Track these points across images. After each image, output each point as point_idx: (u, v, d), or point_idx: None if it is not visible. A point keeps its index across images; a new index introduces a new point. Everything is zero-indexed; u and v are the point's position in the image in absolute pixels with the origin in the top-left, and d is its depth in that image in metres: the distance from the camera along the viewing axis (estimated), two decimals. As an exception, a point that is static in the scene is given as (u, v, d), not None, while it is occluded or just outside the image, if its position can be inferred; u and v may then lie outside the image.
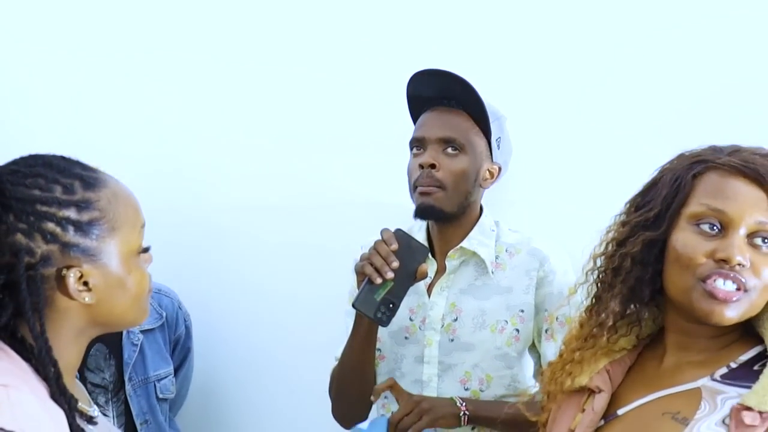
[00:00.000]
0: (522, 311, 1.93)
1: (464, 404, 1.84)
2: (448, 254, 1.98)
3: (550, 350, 1.92)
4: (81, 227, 1.15)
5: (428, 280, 1.99)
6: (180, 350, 2.44)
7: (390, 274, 1.74)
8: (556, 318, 1.91)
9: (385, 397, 2.01)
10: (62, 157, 1.21)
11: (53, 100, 2.77)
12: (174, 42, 2.65)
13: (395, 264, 1.75)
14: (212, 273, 2.61)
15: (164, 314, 2.38)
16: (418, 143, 1.94)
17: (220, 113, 2.60)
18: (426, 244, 1.98)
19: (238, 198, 2.58)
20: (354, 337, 1.90)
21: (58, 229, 1.14)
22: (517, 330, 1.93)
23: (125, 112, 2.70)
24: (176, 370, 2.43)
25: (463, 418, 1.83)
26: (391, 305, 1.75)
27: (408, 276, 1.77)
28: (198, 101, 2.62)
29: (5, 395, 1.05)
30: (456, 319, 1.95)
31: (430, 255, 1.99)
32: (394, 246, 1.76)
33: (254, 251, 2.56)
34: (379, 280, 1.74)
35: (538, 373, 1.97)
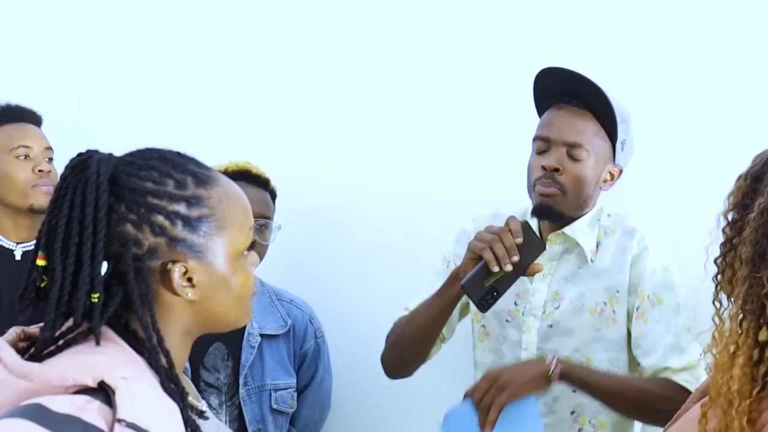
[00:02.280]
0: (618, 292, 1.91)
1: (555, 359, 1.80)
2: (549, 237, 1.96)
3: (639, 330, 1.89)
4: (189, 223, 1.16)
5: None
6: (308, 367, 2.36)
7: (509, 267, 1.73)
8: (647, 296, 1.89)
9: None
10: (178, 153, 1.22)
11: (151, 103, 2.79)
12: (276, 40, 2.63)
13: (516, 258, 1.73)
14: (333, 270, 2.57)
15: (290, 323, 2.32)
16: (542, 142, 1.91)
17: (338, 109, 2.58)
18: (538, 233, 1.97)
19: (362, 193, 2.55)
20: (437, 299, 1.88)
21: (167, 223, 1.15)
22: (614, 311, 1.91)
23: (222, 113, 2.69)
24: (304, 389, 2.36)
25: (552, 376, 1.79)
26: (495, 293, 1.75)
27: (520, 269, 1.76)
28: (299, 100, 2.61)
29: (126, 388, 1.06)
30: (558, 307, 1.95)
31: None
32: (519, 239, 1.74)
33: (375, 246, 2.52)
34: (496, 269, 1.72)
35: (636, 364, 1.93)
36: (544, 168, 1.88)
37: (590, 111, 1.89)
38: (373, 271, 2.51)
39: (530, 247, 1.76)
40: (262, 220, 2.20)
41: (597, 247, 1.94)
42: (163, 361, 1.15)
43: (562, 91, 1.91)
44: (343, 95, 2.56)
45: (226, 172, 2.15)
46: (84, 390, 1.07)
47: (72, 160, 1.18)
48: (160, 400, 1.11)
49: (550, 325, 1.93)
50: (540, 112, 1.97)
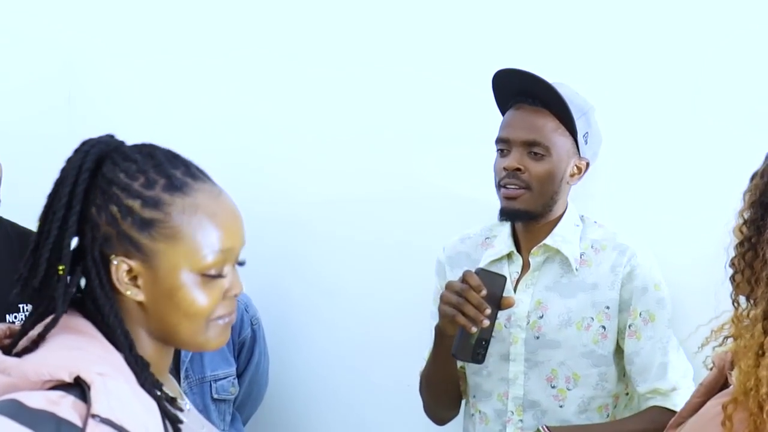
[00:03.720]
0: (607, 308, 1.92)
1: None
2: (532, 251, 1.97)
3: (632, 347, 1.92)
4: (138, 221, 1.15)
5: (514, 276, 1.98)
6: (246, 353, 2.40)
7: (486, 322, 1.76)
8: (640, 314, 1.91)
9: (474, 396, 2.03)
10: (172, 154, 1.20)
11: (140, 94, 2.74)
12: (258, 37, 2.60)
13: (488, 311, 1.75)
14: (294, 269, 2.57)
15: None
16: (503, 144, 1.93)
17: (303, 106, 2.55)
18: (511, 239, 1.99)
19: (321, 193, 2.54)
20: (436, 353, 1.93)
21: (118, 215, 1.15)
22: (604, 327, 1.92)
23: (210, 106, 2.65)
24: (242, 374, 2.40)
25: None
26: (483, 342, 1.79)
27: (495, 311, 1.79)
28: (283, 94, 2.58)
29: (102, 384, 1.06)
30: (542, 317, 1.94)
31: (515, 251, 1.99)
32: (484, 292, 1.76)
33: (335, 246, 2.52)
34: (474, 330, 1.75)
35: (623, 375, 1.96)
36: (506, 169, 1.90)
37: (547, 108, 1.90)
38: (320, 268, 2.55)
39: (494, 286, 1.79)
40: None
41: (582, 257, 1.95)
42: (123, 339, 1.15)
43: (518, 91, 1.92)
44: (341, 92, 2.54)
45: None
46: (60, 385, 1.07)
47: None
48: (136, 396, 1.10)
49: (537, 337, 1.93)
50: (503, 113, 1.99)
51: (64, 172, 1.16)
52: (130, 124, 2.66)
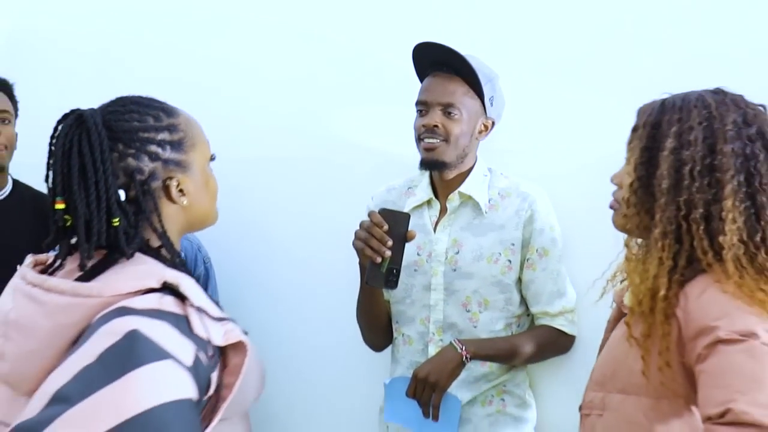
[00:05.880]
0: (513, 245, 2.27)
1: (464, 348, 2.17)
2: (448, 197, 2.30)
3: (528, 276, 2.28)
4: (174, 145, 1.42)
5: (434, 219, 2.32)
6: None
7: (388, 253, 2.00)
8: (536, 250, 2.28)
9: (397, 322, 2.37)
10: (141, 96, 1.46)
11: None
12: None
13: (390, 243, 2.01)
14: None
15: (182, 254, 2.49)
16: (422, 105, 2.25)
17: (231, 62, 2.73)
18: (429, 188, 2.32)
19: (249, 151, 2.71)
20: (362, 296, 2.29)
21: (159, 150, 1.41)
22: (509, 260, 2.27)
23: (133, 58, 2.78)
24: None
25: (465, 360, 2.17)
26: (395, 271, 2.03)
27: (400, 242, 2.03)
28: (212, 49, 2.74)
29: (185, 282, 1.33)
30: (458, 252, 2.28)
31: (434, 197, 2.32)
32: (386, 227, 2.01)
33: (265, 202, 2.71)
34: (379, 260, 2.01)
35: (523, 299, 2.32)
36: (425, 126, 2.22)
37: (459, 75, 2.22)
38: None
39: (397, 222, 2.02)
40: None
41: (490, 202, 2.27)
42: (177, 257, 1.43)
43: (435, 61, 2.25)
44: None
45: None
46: (146, 291, 1.29)
47: (65, 117, 1.40)
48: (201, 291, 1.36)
49: (454, 269, 2.26)
50: (421, 80, 2.30)
51: (84, 147, 1.34)
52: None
